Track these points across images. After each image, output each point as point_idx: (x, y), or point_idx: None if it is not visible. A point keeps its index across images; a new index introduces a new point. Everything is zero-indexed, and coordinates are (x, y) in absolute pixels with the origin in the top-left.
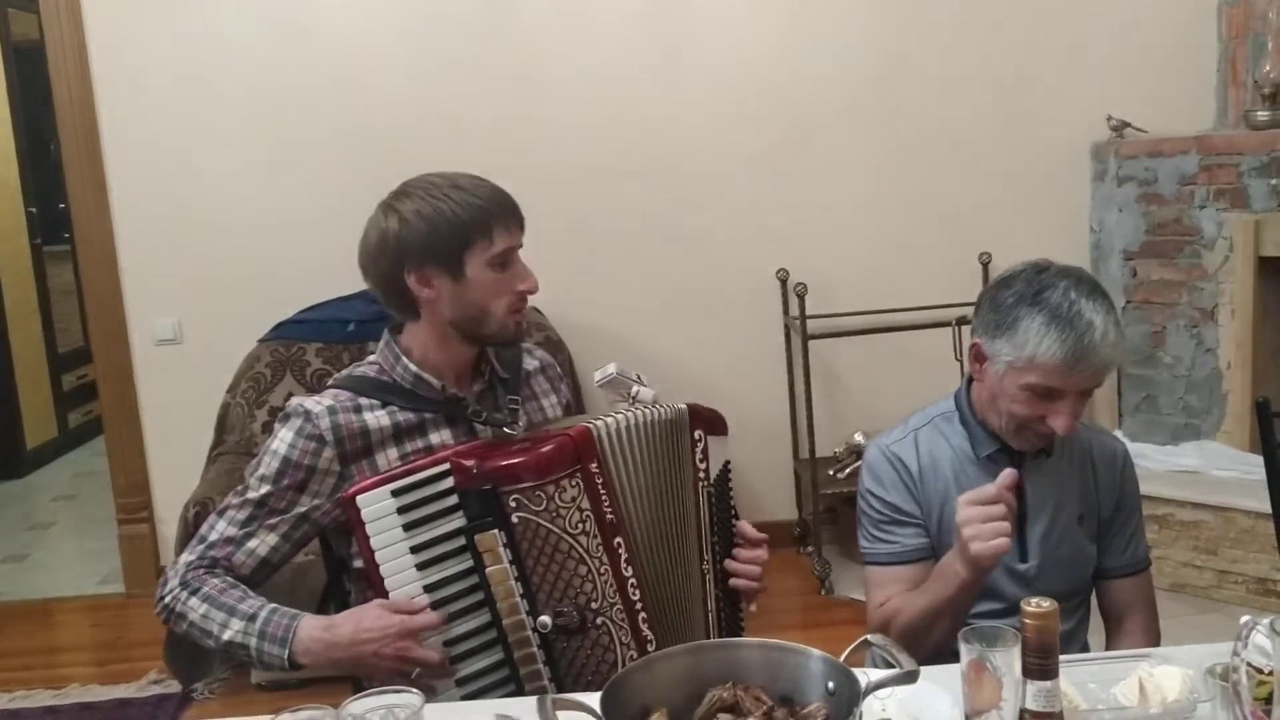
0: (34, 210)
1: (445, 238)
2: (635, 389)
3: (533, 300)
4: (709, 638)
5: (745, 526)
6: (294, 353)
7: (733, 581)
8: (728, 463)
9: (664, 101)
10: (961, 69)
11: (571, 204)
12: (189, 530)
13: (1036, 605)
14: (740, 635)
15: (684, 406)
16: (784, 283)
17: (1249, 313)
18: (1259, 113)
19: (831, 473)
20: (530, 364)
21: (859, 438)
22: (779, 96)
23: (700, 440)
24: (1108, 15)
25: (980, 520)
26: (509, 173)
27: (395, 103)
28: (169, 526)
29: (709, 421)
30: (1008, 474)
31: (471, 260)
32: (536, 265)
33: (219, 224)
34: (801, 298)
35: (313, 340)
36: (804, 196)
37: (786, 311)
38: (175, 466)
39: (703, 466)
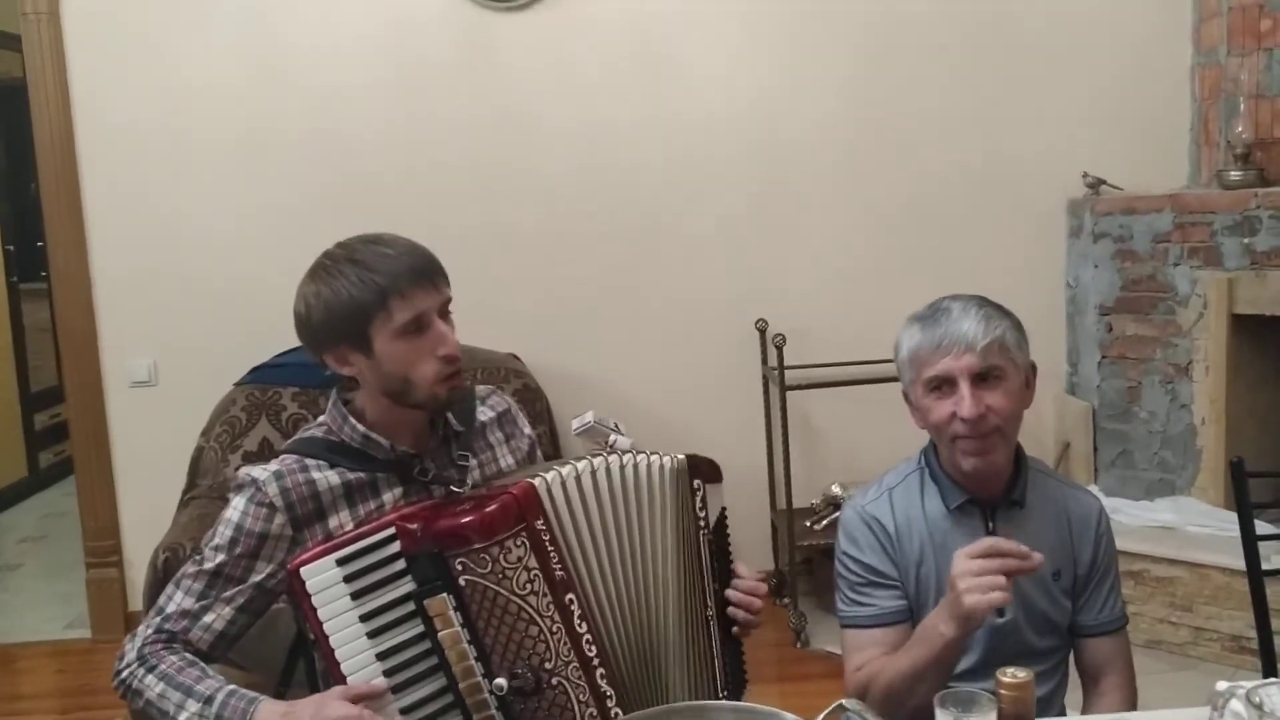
0: (11, 248)
1: (343, 320)
2: (613, 437)
3: (511, 347)
4: (716, 685)
5: (742, 568)
6: (270, 397)
7: (730, 611)
8: (724, 509)
9: (646, 152)
10: (941, 124)
11: (551, 252)
12: (158, 576)
13: (1013, 676)
14: (744, 682)
15: (683, 457)
16: (763, 333)
17: (1223, 369)
18: (1231, 172)
19: (809, 524)
20: (485, 415)
21: (836, 489)
22: (761, 149)
23: (699, 489)
24: (1084, 74)
25: (976, 573)
26: (489, 220)
27: (374, 149)
28: (138, 571)
29: (706, 471)
30: (1021, 547)
31: (377, 335)
32: (515, 312)
33: (197, 266)
34: (780, 348)
35: (289, 384)
36: (784, 248)
37: (765, 362)
38: (146, 510)
39: (703, 515)
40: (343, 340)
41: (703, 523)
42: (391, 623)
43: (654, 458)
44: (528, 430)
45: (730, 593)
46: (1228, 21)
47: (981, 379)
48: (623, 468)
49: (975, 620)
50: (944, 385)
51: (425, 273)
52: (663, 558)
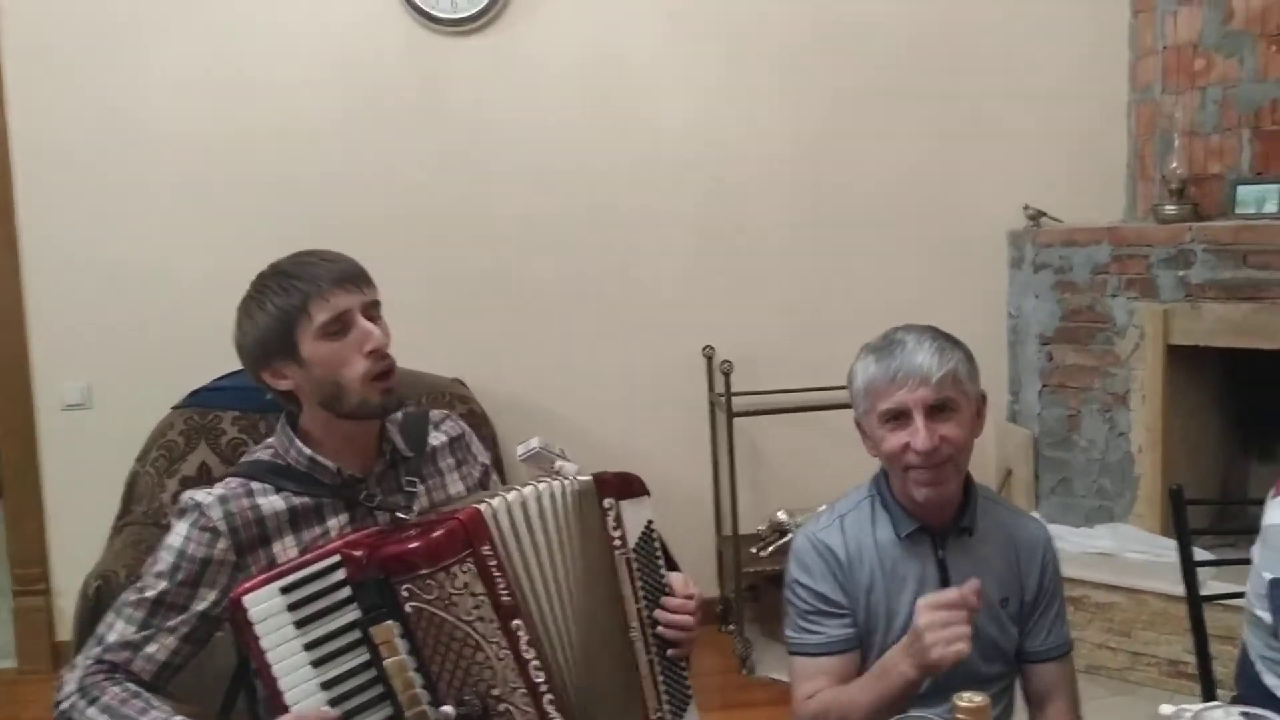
0: None
1: (271, 331)
2: (558, 464)
3: (457, 372)
4: (650, 707)
5: (678, 581)
6: (209, 421)
7: (660, 630)
8: (650, 522)
9: (593, 178)
10: (886, 156)
11: (498, 277)
12: (90, 605)
13: (969, 700)
14: (687, 701)
15: (589, 478)
16: (710, 359)
17: (1159, 399)
18: (1167, 207)
19: (755, 550)
20: (436, 439)
21: (782, 516)
22: (707, 177)
23: (611, 508)
24: (1026, 109)
25: (941, 625)
26: (434, 242)
27: (321, 165)
28: (67, 600)
29: (620, 486)
30: (972, 583)
31: (302, 340)
32: (462, 337)
33: (135, 286)
34: (727, 375)
35: (229, 409)
36: (732, 276)
37: (712, 388)
38: (77, 537)
39: (617, 534)
40: (274, 353)
41: (618, 542)
42: (336, 651)
43: (561, 484)
44: (482, 457)
45: (659, 613)
46: (1163, 60)
47: (936, 411)
48: (569, 493)
49: (942, 669)
50: (899, 417)
51: (346, 275)
52: (583, 582)
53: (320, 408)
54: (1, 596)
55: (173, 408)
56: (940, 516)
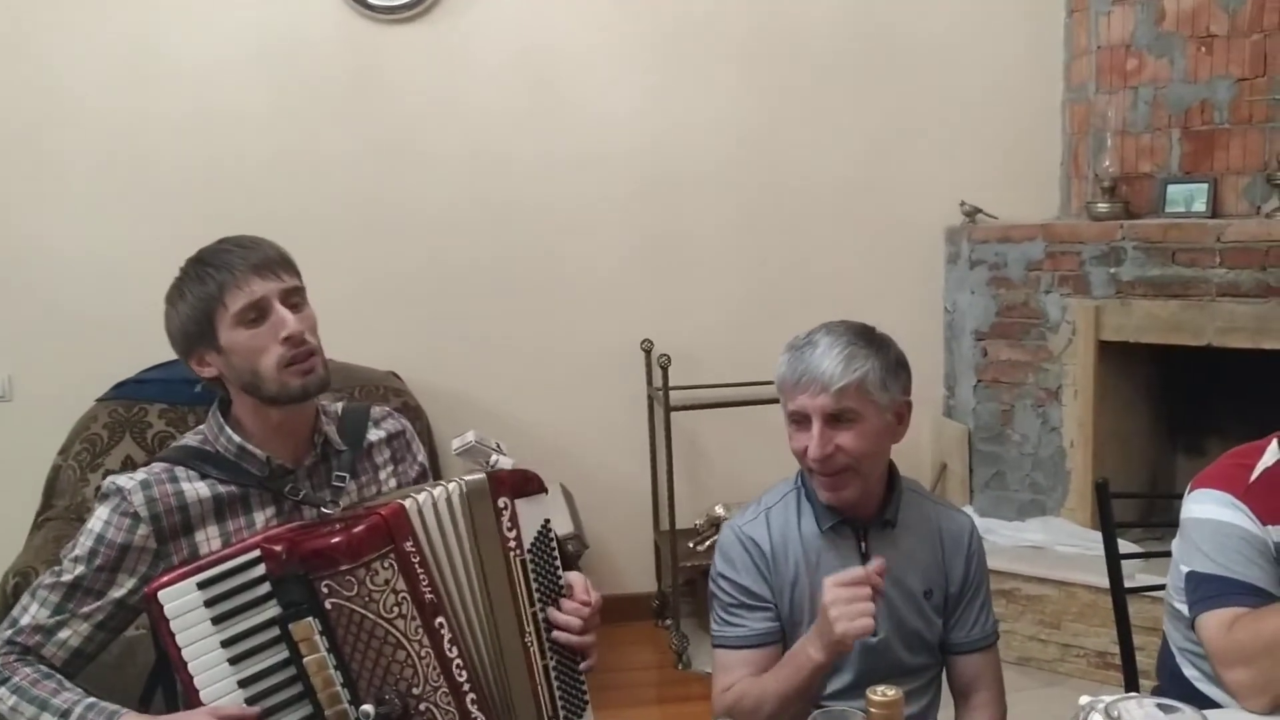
0: None
1: (191, 320)
2: (494, 458)
3: (391, 364)
4: (542, 712)
5: (575, 583)
6: (135, 414)
7: (554, 633)
8: (547, 521)
9: (530, 167)
10: (825, 151)
11: (433, 269)
12: (8, 601)
13: (882, 694)
14: (584, 704)
15: (483, 476)
16: (648, 353)
17: (1090, 394)
18: (1099, 204)
19: (692, 545)
20: (375, 435)
21: (720, 510)
22: (646, 168)
23: (506, 508)
24: (963, 106)
25: (846, 601)
26: (370, 237)
27: (249, 147)
28: None
29: (516, 485)
30: (877, 562)
31: (221, 327)
32: (395, 330)
33: (57, 274)
34: (665, 369)
35: (156, 401)
36: (670, 270)
37: (650, 382)
38: None
39: (512, 535)
40: (196, 342)
41: (512, 543)
42: (255, 648)
43: (458, 483)
44: (420, 457)
45: (552, 613)
46: (1096, 60)
47: (834, 419)
48: (467, 493)
49: (846, 646)
50: (801, 420)
51: (263, 263)
52: (487, 582)
53: (245, 394)
54: None
55: (97, 400)
56: (861, 510)
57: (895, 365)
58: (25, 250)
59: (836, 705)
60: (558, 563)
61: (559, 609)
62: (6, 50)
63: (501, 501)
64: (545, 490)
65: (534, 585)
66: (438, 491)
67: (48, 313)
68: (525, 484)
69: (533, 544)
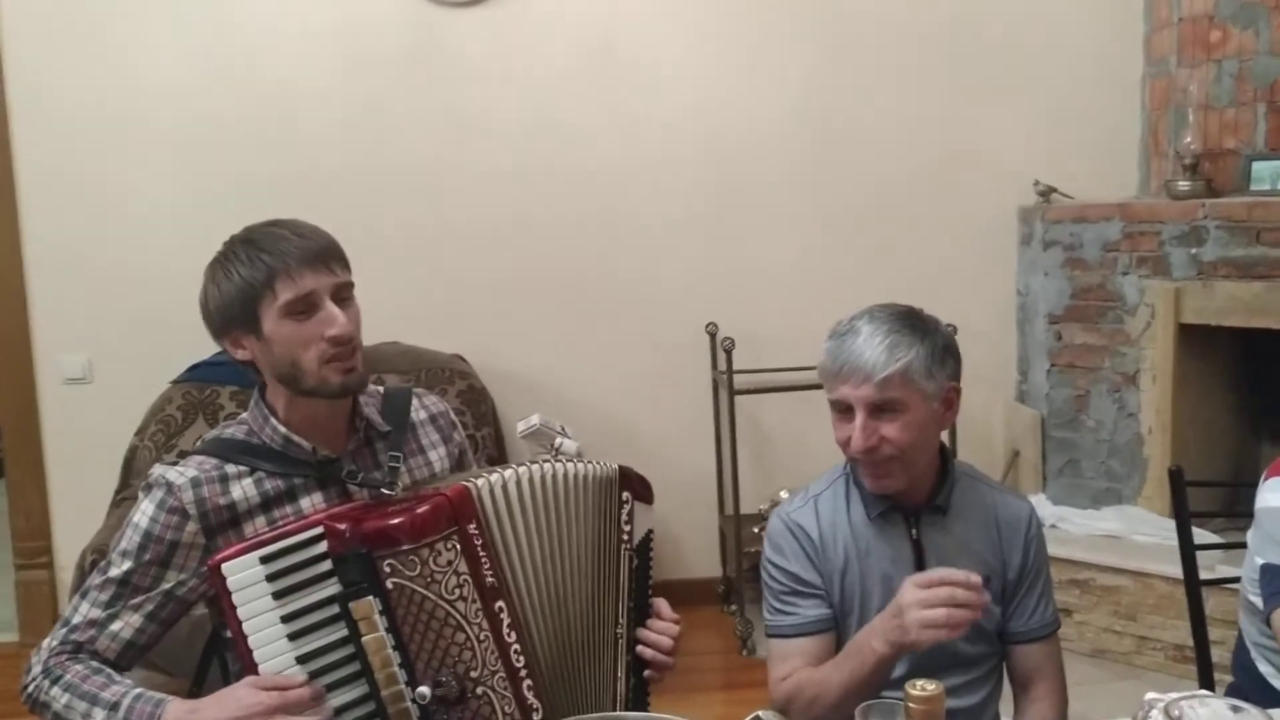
0: None
1: (234, 301)
2: (559, 441)
3: (457, 348)
4: (616, 704)
5: (662, 605)
6: (207, 396)
7: (641, 649)
8: (650, 531)
9: (598, 154)
10: (896, 132)
11: (500, 253)
12: (84, 577)
13: (921, 689)
14: (646, 706)
15: (616, 466)
16: (713, 337)
17: (1169, 379)
18: (1180, 183)
19: (756, 530)
20: (419, 414)
21: (784, 494)
22: (714, 152)
23: (628, 503)
24: (1038, 83)
25: (925, 604)
26: (436, 218)
27: (322, 144)
28: (69, 573)
29: (637, 487)
30: (973, 577)
31: (265, 315)
32: (462, 312)
33: (136, 261)
34: (729, 353)
35: (228, 383)
36: (735, 252)
37: (715, 366)
38: (79, 511)
39: (627, 529)
40: (236, 323)
41: (626, 537)
42: (314, 625)
43: (588, 466)
44: (458, 435)
45: (643, 632)
46: (1178, 32)
47: (879, 409)
48: (555, 475)
49: (917, 647)
50: (844, 410)
51: (317, 255)
52: (580, 567)
53: (280, 383)
54: (4, 570)
55: (171, 382)
56: (912, 496)
57: (942, 350)
58: (108, 240)
59: (889, 696)
60: (651, 574)
61: (646, 613)
62: (89, 30)
63: (625, 495)
64: (653, 501)
65: (633, 585)
66: (516, 473)
67: (126, 298)
68: (643, 489)
69: (637, 547)
